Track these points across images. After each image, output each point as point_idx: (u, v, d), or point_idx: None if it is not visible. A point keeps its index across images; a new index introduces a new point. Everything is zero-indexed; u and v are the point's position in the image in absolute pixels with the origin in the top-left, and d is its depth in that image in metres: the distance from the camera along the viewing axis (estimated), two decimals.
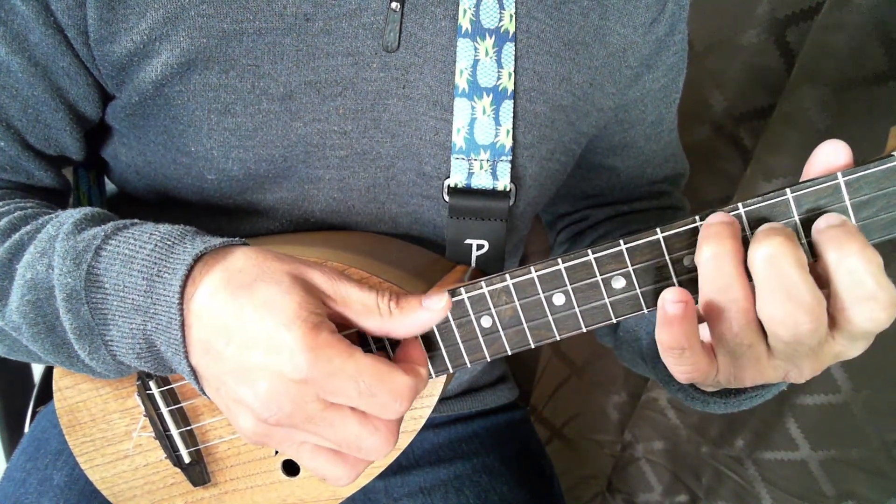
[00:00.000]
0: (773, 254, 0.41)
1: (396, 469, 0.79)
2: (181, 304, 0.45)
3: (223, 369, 0.44)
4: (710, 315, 0.44)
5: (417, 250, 0.64)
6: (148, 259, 0.46)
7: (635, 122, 0.73)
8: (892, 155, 0.41)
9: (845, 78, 0.88)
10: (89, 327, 0.47)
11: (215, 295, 0.44)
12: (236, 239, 0.48)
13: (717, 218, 0.44)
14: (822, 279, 0.42)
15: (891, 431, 0.92)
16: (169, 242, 0.47)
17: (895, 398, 0.91)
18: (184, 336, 0.45)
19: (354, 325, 0.47)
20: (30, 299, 0.49)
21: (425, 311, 0.47)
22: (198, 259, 0.46)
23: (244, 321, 0.43)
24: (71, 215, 0.51)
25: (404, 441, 0.55)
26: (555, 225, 0.88)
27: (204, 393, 0.48)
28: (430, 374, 0.52)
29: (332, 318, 0.46)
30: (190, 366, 0.46)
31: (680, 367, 0.46)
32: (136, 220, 0.50)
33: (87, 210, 0.51)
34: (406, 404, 0.44)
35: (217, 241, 0.47)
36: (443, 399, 0.83)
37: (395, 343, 0.51)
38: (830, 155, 0.43)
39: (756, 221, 0.44)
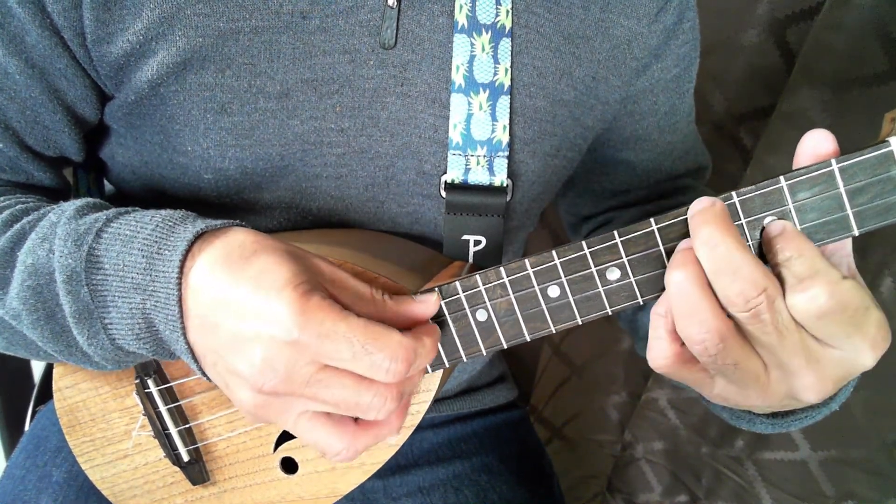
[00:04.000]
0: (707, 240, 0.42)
1: (395, 469, 0.79)
2: (180, 279, 0.45)
3: (219, 343, 0.44)
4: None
5: (415, 247, 0.64)
6: (149, 238, 0.46)
7: (647, 114, 0.71)
8: (887, 141, 0.41)
9: (845, 78, 0.88)
10: (88, 310, 0.48)
11: (213, 269, 0.45)
12: (236, 221, 0.49)
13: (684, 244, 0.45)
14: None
15: (891, 431, 0.92)
16: (170, 223, 0.47)
17: (895, 398, 0.90)
18: (181, 312, 0.45)
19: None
20: (30, 284, 0.49)
21: (417, 304, 0.48)
22: (198, 236, 0.46)
23: (238, 293, 0.43)
24: (73, 203, 0.51)
25: (402, 436, 0.55)
26: (580, 228, 0.87)
27: (202, 372, 0.48)
28: (427, 369, 0.52)
29: None
30: (187, 343, 0.46)
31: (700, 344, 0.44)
32: (137, 208, 0.51)
33: (88, 199, 0.52)
34: (402, 365, 0.44)
35: (217, 221, 0.48)
36: (441, 399, 0.83)
37: None
38: (815, 145, 0.43)
39: (751, 211, 0.44)
